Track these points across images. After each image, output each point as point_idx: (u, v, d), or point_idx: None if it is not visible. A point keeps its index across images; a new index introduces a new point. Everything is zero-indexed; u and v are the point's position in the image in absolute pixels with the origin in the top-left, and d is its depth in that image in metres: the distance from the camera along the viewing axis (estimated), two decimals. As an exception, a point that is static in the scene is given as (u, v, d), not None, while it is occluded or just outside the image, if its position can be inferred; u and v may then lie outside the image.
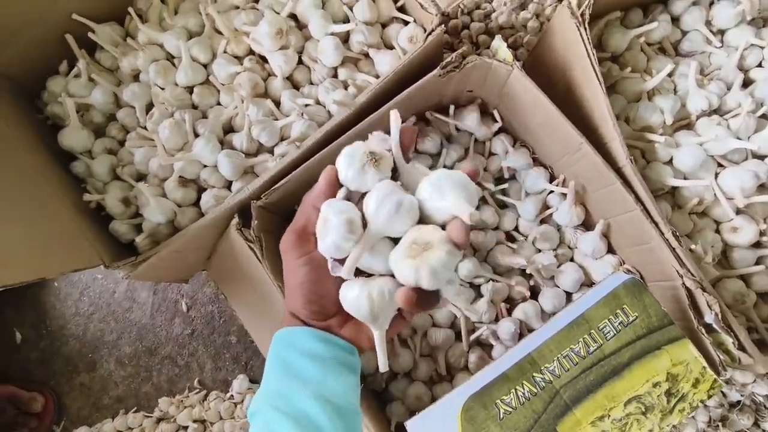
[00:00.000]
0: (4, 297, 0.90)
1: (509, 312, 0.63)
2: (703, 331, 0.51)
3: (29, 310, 0.91)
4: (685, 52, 0.67)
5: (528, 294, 0.63)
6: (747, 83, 0.65)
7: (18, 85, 0.65)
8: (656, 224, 0.53)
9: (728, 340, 0.50)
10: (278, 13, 0.62)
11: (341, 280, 0.37)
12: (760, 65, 0.65)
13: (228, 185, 0.60)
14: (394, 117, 0.37)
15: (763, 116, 0.61)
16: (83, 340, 0.91)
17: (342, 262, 0.35)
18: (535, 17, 0.88)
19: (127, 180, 0.62)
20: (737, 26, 0.65)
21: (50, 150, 0.64)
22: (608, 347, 0.50)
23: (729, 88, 0.63)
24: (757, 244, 0.59)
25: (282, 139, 0.60)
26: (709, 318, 0.51)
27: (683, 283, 0.52)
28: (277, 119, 0.60)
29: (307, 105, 0.60)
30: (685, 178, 0.60)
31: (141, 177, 0.63)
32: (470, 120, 0.65)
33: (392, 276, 0.36)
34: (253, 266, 0.54)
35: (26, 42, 0.62)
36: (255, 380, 0.85)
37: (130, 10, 0.64)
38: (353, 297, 0.36)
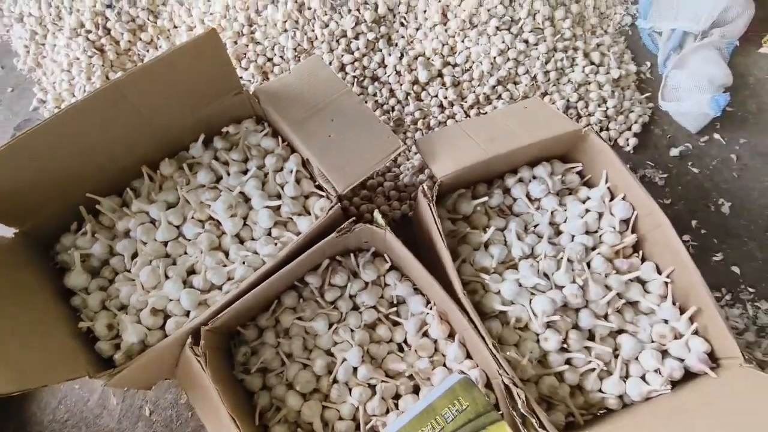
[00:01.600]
0: (-8, 407, 1.06)
1: (396, 406, 0.84)
2: (516, 414, 0.73)
3: (14, 417, 1.06)
4: (516, 212, 0.97)
5: (408, 391, 0.85)
6: (560, 232, 0.95)
7: (38, 241, 0.89)
8: (483, 338, 0.77)
9: (533, 421, 0.72)
10: (231, 191, 0.90)
11: None
12: (565, 221, 0.95)
13: (187, 314, 0.83)
14: None
15: (561, 258, 0.89)
16: (56, 445, 1.05)
17: None
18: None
19: (113, 310, 0.84)
20: (546, 197, 0.95)
21: (55, 287, 0.86)
22: (448, 429, 0.71)
23: (541, 239, 0.91)
24: (564, 350, 0.84)
25: (228, 279, 0.85)
26: (519, 405, 0.73)
27: (502, 380, 0.75)
28: (226, 266, 0.85)
29: (246, 256, 0.85)
30: (512, 303, 0.85)
31: (123, 307, 0.86)
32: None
33: None
34: (201, 374, 0.75)
35: (50, 211, 0.88)
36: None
37: (128, 189, 0.92)
38: None
